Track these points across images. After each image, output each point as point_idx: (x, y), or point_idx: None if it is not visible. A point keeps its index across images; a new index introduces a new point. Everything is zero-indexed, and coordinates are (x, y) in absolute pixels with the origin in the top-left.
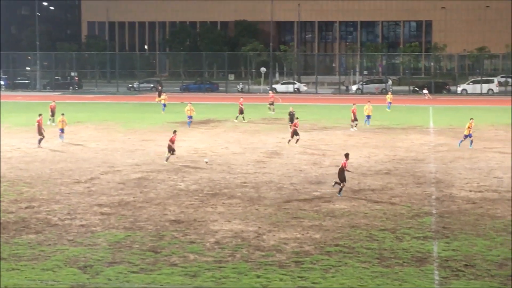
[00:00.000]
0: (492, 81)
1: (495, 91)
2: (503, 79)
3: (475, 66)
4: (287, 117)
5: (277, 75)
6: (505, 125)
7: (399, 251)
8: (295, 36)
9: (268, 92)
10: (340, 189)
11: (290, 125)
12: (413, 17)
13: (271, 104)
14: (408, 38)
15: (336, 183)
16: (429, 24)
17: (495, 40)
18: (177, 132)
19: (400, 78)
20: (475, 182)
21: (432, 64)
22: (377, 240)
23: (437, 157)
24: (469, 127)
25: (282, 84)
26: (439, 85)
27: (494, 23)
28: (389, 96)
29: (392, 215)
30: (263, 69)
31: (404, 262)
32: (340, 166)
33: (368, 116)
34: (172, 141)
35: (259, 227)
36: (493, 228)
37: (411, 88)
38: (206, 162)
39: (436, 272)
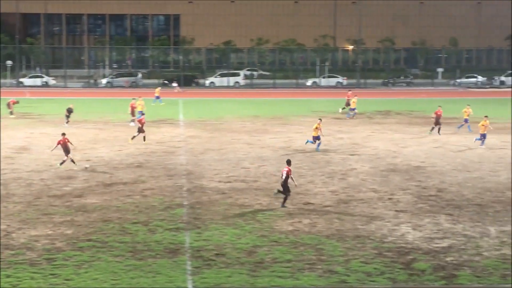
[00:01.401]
0: (238, 74)
1: (241, 83)
2: (248, 72)
3: (222, 59)
4: (64, 113)
5: (24, 68)
6: (251, 117)
7: (152, 244)
8: (42, 28)
9: None
10: (285, 200)
11: (137, 121)
12: (161, 10)
13: None
14: (156, 31)
15: (279, 191)
16: (177, 17)
17: (240, 35)
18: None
19: (149, 72)
20: (224, 172)
21: (180, 57)
22: (130, 233)
23: (187, 149)
24: (317, 128)
25: (30, 77)
26: (188, 78)
27: (239, 18)
28: (157, 90)
29: (144, 208)
30: (8, 63)
31: (157, 254)
32: (284, 176)
33: (141, 112)
34: (63, 142)
35: (8, 225)
36: (242, 217)
37: (161, 81)
38: (86, 168)
39: (189, 262)
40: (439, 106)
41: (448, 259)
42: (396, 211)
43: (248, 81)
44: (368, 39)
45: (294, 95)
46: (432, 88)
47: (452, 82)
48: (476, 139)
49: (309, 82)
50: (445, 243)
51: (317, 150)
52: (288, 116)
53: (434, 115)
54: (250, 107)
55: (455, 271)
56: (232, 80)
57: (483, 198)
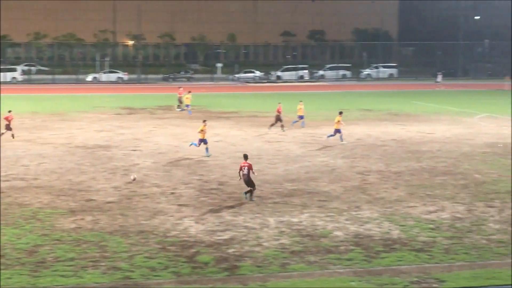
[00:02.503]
0: (15, 70)
1: (19, 79)
2: (26, 68)
3: None
4: None
5: None
6: (30, 113)
7: None
8: None
9: None
10: (251, 193)
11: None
12: None
13: None
14: None
15: (247, 192)
16: None
17: (16, 29)
18: None
19: None
20: (2, 171)
21: None
22: None
23: None
24: (202, 131)
25: None
26: None
27: (16, 12)
28: None
29: None
30: None
31: None
32: (245, 172)
33: None
34: None
35: None
36: (21, 216)
37: None
38: (134, 179)
39: None
40: (279, 103)
41: (230, 250)
42: (179, 205)
43: (26, 76)
44: (148, 34)
45: (74, 90)
46: (212, 83)
47: (231, 77)
48: (328, 136)
49: (89, 78)
50: (227, 235)
51: (206, 154)
52: (69, 112)
53: (276, 112)
54: (29, 103)
55: (237, 262)
56: (8, 75)
57: (263, 190)
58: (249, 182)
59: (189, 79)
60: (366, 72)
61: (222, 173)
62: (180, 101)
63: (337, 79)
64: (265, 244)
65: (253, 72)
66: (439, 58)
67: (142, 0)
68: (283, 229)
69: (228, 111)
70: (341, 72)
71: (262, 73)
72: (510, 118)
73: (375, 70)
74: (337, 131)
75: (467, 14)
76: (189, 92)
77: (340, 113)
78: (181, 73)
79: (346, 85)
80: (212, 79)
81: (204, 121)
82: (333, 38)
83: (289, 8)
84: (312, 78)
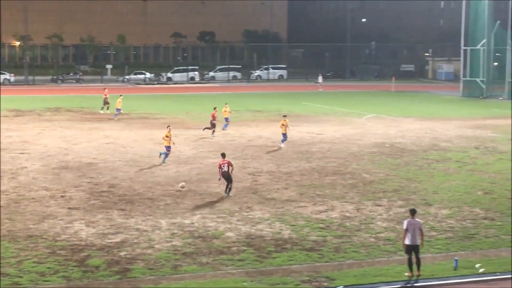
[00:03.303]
0: None
1: None
2: None
3: None
4: None
5: None
6: None
7: None
8: None
9: None
10: (230, 189)
11: None
12: None
13: None
14: None
15: (228, 188)
16: None
17: None
18: None
19: None
20: None
21: None
22: None
23: None
24: (167, 136)
25: None
26: None
27: None
28: None
29: None
30: None
31: None
32: (225, 169)
33: None
34: None
35: None
36: None
37: None
38: (182, 187)
39: None
40: (215, 108)
41: (121, 253)
42: (69, 208)
43: None
44: (36, 35)
45: None
46: (102, 84)
47: (121, 78)
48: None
49: None
50: (118, 238)
51: (163, 161)
52: None
53: (211, 117)
54: None
55: (129, 265)
56: None
57: (154, 192)
58: (229, 178)
59: (78, 80)
60: (256, 74)
61: (112, 175)
62: (106, 102)
63: (227, 81)
64: (157, 246)
65: (143, 74)
66: (327, 60)
67: (29, 0)
68: (175, 231)
69: (124, 112)
70: (232, 73)
71: (153, 75)
72: (396, 118)
73: (265, 71)
74: (284, 135)
75: (355, 16)
76: (121, 95)
77: (284, 116)
78: (70, 74)
79: (236, 86)
80: (101, 81)
81: (168, 126)
82: (223, 39)
83: (179, 9)
84: (203, 80)
